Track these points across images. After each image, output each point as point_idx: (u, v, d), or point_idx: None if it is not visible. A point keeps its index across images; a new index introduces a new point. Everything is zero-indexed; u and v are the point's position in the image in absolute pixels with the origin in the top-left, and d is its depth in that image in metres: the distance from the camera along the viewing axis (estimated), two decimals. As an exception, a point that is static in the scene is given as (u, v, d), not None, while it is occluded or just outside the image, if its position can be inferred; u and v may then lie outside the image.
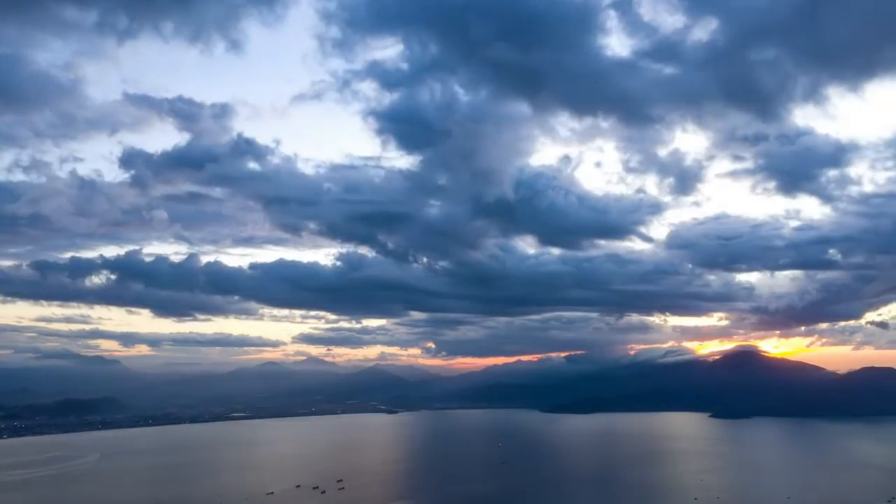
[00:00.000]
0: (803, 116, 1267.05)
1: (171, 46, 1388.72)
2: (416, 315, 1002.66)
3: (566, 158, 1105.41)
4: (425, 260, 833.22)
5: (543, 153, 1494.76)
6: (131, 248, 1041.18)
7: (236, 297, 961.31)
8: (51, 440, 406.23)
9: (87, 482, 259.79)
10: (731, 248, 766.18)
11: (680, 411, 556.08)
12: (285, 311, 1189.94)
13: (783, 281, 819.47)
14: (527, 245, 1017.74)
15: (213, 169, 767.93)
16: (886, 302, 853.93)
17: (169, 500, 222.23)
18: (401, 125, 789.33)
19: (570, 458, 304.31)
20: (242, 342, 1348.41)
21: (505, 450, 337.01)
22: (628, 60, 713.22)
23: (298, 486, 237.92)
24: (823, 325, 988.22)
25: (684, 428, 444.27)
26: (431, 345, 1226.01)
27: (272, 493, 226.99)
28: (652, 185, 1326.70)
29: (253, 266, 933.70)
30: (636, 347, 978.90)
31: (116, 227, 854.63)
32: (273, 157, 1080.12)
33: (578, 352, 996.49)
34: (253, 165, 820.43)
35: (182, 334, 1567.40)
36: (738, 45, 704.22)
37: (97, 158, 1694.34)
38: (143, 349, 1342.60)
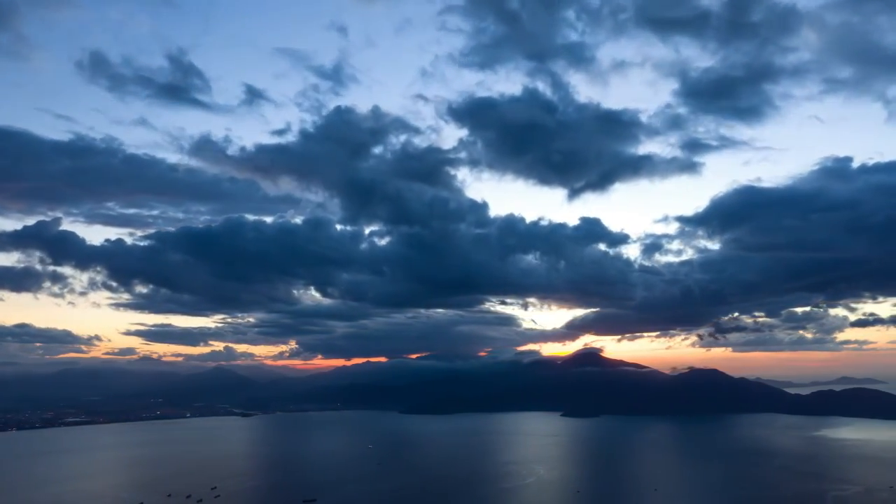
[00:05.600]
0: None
1: None
2: (274, 310, 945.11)
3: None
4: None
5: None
6: None
7: (60, 279, 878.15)
8: None
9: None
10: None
11: (533, 411, 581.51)
12: (116, 304, 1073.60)
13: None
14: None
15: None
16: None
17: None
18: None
19: (444, 458, 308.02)
20: (64, 338, 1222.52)
21: (377, 451, 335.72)
22: None
23: (169, 495, 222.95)
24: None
25: (542, 427, 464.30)
26: (293, 343, 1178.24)
27: (142, 503, 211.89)
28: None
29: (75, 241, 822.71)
30: (487, 348, 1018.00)
31: None
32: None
33: (430, 352, 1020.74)
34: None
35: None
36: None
37: None
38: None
